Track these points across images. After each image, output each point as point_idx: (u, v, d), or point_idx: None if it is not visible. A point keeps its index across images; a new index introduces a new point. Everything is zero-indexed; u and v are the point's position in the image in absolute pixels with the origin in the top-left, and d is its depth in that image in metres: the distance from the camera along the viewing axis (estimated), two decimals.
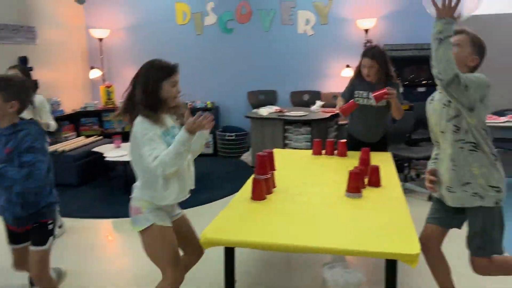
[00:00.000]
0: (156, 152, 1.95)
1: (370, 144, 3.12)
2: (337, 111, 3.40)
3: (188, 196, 2.19)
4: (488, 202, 2.01)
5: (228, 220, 2.07)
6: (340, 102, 3.42)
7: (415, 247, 1.72)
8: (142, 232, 2.08)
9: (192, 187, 2.23)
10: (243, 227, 1.98)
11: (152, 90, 2.02)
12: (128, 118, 2.07)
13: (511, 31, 5.40)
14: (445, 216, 2.20)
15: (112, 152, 4.81)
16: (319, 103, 5.65)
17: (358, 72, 3.36)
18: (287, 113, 5.28)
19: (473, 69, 2.09)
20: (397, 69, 6.07)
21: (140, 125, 2.00)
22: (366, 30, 5.93)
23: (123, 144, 4.97)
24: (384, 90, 3.00)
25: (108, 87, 6.72)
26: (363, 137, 3.37)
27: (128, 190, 2.34)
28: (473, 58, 2.06)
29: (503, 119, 4.47)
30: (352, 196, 2.32)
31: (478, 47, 2.08)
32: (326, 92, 6.27)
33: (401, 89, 3.37)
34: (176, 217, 2.24)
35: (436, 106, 2.14)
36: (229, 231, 1.93)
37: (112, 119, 6.45)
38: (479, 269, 2.12)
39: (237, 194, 2.43)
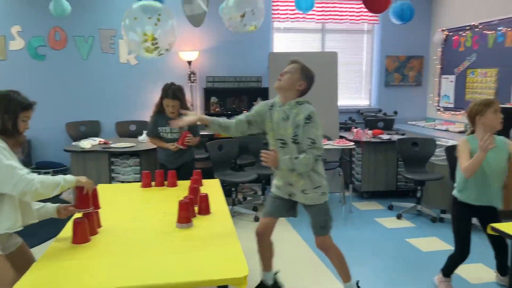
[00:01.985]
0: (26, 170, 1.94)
1: (177, 168, 3.59)
2: (174, 148, 3.71)
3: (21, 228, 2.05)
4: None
5: (44, 271, 1.81)
6: (152, 140, 3.88)
7: (243, 270, 1.80)
8: None
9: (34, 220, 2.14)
10: (61, 278, 1.76)
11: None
12: None
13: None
14: (278, 210, 2.77)
15: None
16: (146, 133, 5.54)
17: (159, 110, 3.75)
18: (113, 145, 5.02)
19: (300, 93, 2.55)
20: (220, 100, 6.44)
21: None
22: (190, 62, 6.13)
23: None
24: (184, 136, 3.58)
25: None
26: (170, 165, 3.74)
27: None
28: (301, 83, 2.52)
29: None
30: (182, 226, 2.31)
31: (306, 74, 2.54)
32: (149, 122, 6.18)
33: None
34: (14, 246, 2.10)
35: (280, 121, 2.57)
36: (46, 285, 1.69)
37: None
38: (321, 245, 2.71)
39: (55, 239, 2.17)
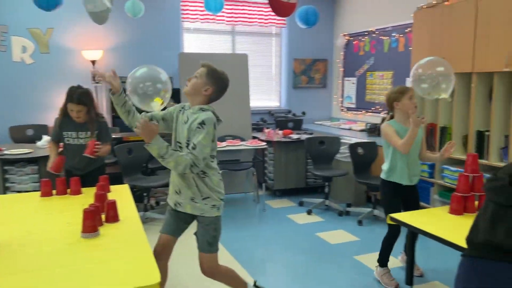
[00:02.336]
0: None
1: (83, 175, 3.29)
2: (49, 169, 3.38)
3: None
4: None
5: None
6: (52, 147, 3.52)
7: (154, 277, 1.73)
8: None
9: None
10: None
11: None
12: None
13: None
14: (176, 227, 2.52)
15: None
16: (46, 138, 5.11)
17: (64, 113, 3.42)
18: (7, 151, 4.56)
19: (208, 98, 2.42)
20: None
21: None
22: (93, 62, 5.79)
23: None
24: (92, 145, 3.24)
25: None
26: (77, 171, 3.42)
27: None
28: (207, 88, 2.38)
29: (224, 144, 5.14)
30: (88, 236, 2.16)
31: (214, 78, 2.40)
32: (53, 126, 5.74)
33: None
34: None
35: (181, 123, 2.42)
36: None
37: None
38: (209, 268, 2.49)
39: None
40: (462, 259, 1.61)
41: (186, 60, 5.67)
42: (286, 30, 6.91)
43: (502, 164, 3.71)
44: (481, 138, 4.11)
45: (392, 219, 2.67)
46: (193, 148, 2.26)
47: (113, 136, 4.31)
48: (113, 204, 2.43)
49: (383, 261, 3.29)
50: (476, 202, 2.74)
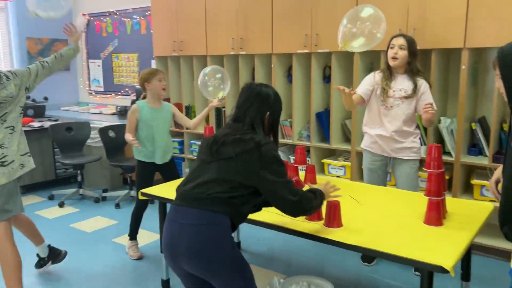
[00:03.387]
0: None
1: None
2: None
3: None
4: None
5: None
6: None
7: None
8: None
9: None
10: None
11: None
12: None
13: None
14: None
15: None
16: None
17: None
18: None
19: None
20: None
21: None
22: None
23: None
24: None
25: None
26: None
27: None
28: None
29: None
30: None
31: None
32: None
33: None
34: None
35: None
36: None
37: None
38: None
39: None
40: None
41: None
42: (14, 4, 6.04)
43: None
44: (219, 113, 4.66)
45: (143, 194, 2.76)
46: None
47: None
48: None
49: (132, 233, 3.46)
50: None
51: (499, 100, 3.11)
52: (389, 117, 3.00)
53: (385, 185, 3.18)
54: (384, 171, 3.15)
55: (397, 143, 3.02)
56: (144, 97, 3.36)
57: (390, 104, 2.99)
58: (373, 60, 3.76)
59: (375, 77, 3.06)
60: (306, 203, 1.87)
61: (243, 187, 1.80)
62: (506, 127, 3.21)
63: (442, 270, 1.63)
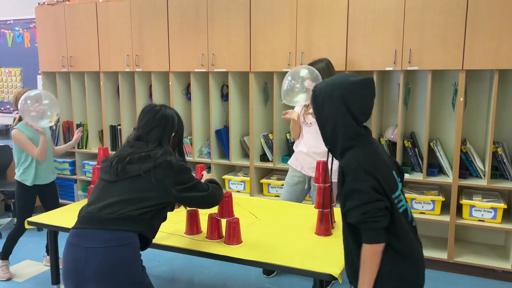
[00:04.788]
0: None
1: None
2: None
3: None
4: None
5: None
6: None
7: None
8: None
9: None
10: None
11: None
12: None
13: None
14: None
15: None
16: None
17: None
18: None
19: None
20: None
21: None
22: None
23: None
24: None
25: None
26: None
27: None
28: None
29: None
30: None
31: None
32: None
33: None
34: None
35: None
36: None
37: None
38: None
39: None
40: None
41: None
42: None
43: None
44: (115, 132, 4.49)
45: (30, 223, 2.55)
46: None
47: None
48: None
49: (5, 254, 3.30)
50: None
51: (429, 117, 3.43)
52: (309, 134, 3.08)
53: (301, 201, 3.17)
54: (302, 188, 3.17)
55: (314, 160, 2.92)
56: (20, 119, 3.22)
57: (310, 121, 3.05)
58: (266, 80, 3.95)
59: None
60: (215, 191, 2.05)
61: (154, 202, 1.81)
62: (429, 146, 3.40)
63: (331, 278, 1.77)
